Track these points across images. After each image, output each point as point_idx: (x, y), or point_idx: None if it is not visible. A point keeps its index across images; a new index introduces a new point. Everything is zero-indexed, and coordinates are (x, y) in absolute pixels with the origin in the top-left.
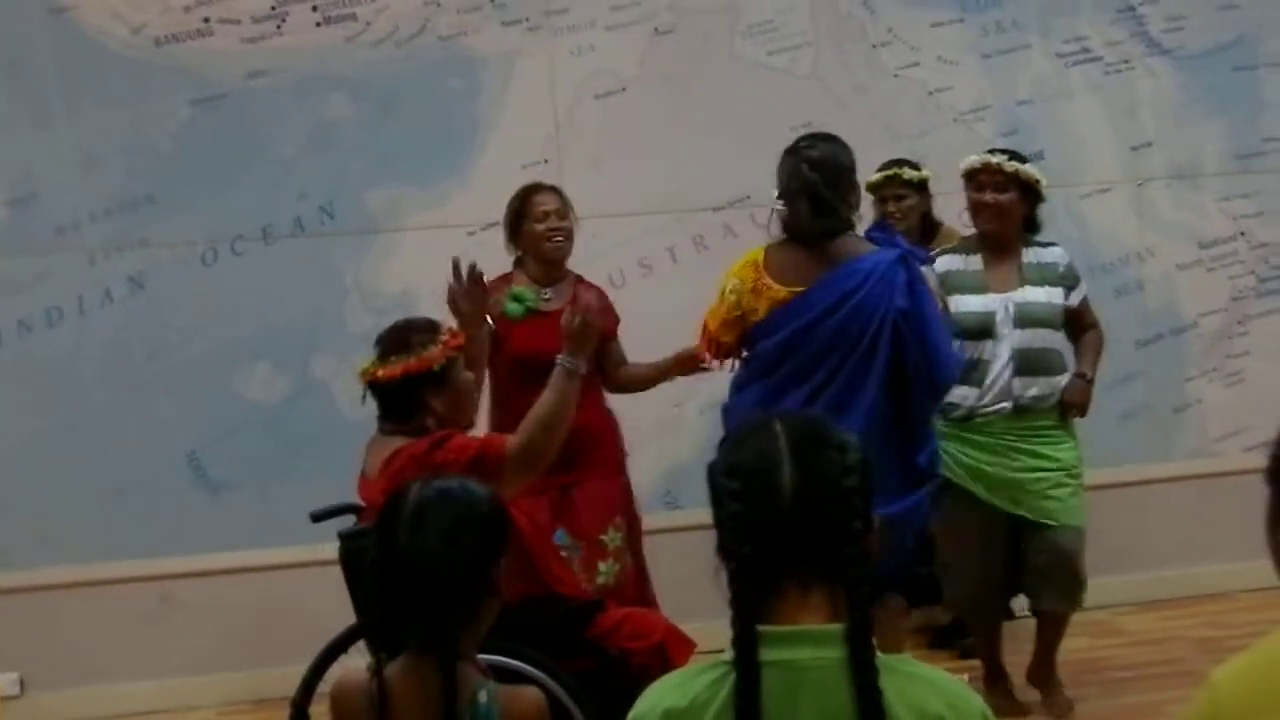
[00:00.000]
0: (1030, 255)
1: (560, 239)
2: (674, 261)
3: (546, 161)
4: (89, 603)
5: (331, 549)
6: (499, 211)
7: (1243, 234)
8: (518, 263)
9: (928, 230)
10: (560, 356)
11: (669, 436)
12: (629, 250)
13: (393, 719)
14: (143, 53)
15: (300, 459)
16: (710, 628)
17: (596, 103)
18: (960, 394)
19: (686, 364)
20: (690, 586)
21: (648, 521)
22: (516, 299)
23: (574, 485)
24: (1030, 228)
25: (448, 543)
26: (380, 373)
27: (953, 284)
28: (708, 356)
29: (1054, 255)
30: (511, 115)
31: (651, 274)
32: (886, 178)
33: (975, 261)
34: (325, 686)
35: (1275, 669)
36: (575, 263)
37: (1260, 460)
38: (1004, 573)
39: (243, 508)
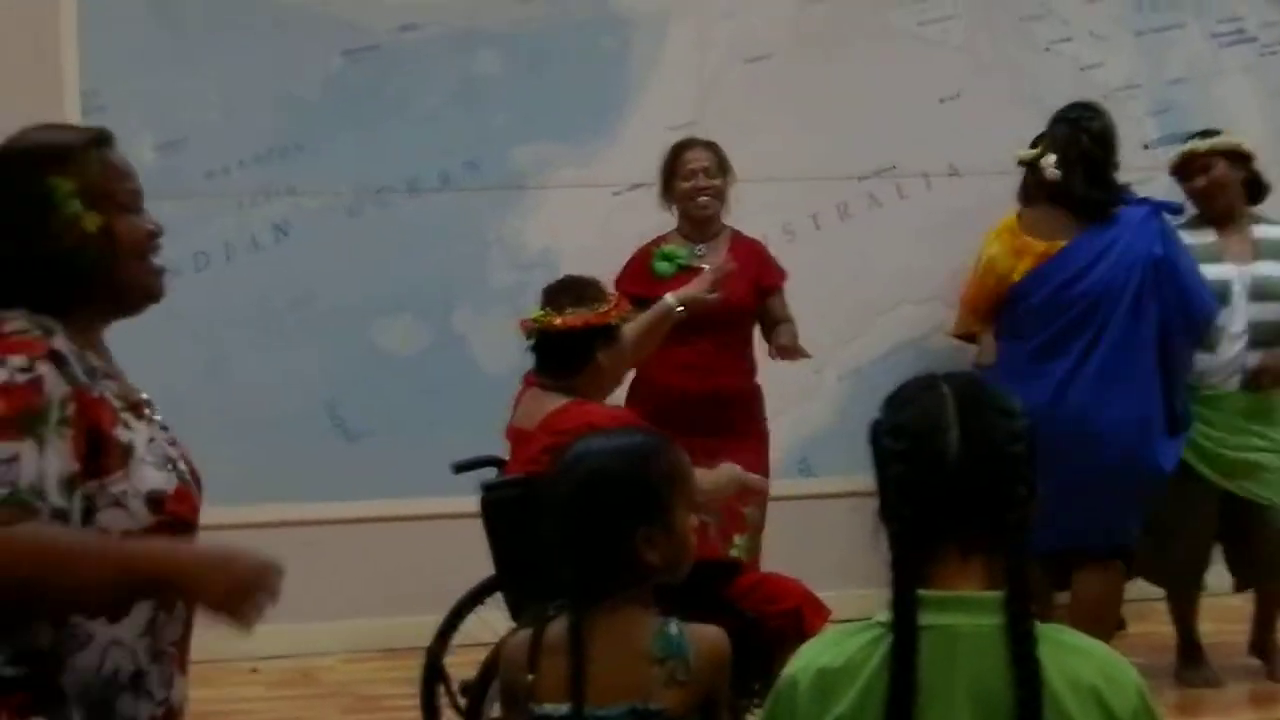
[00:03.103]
0: (1262, 231)
1: (707, 197)
2: (817, 229)
3: (694, 124)
4: (223, 544)
5: (464, 502)
6: (644, 172)
7: None
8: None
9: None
10: (669, 295)
11: (807, 403)
12: (772, 216)
13: (552, 667)
14: (295, 0)
15: (437, 412)
16: (842, 595)
17: (745, 67)
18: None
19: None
20: (823, 553)
21: (782, 488)
22: (666, 257)
23: (721, 452)
24: (1256, 195)
25: (597, 493)
26: (560, 321)
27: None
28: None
29: None
30: (660, 76)
31: (795, 240)
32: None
33: (1208, 234)
34: (459, 638)
35: None
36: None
37: None
38: (1209, 546)
39: (378, 458)
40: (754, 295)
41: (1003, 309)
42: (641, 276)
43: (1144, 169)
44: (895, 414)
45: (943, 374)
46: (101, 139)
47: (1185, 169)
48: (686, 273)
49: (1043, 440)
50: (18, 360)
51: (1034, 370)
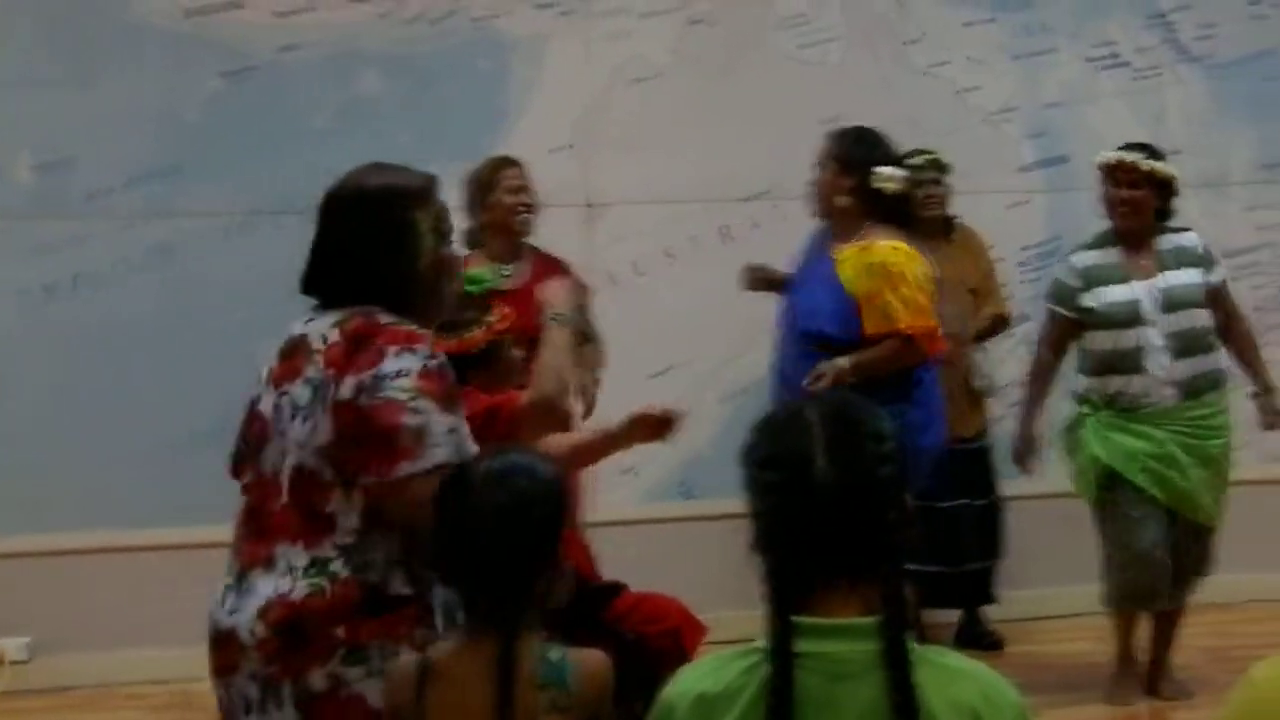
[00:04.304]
0: (1165, 242)
1: (528, 214)
2: (697, 251)
3: (573, 146)
4: (104, 569)
5: None
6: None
7: (1268, 244)
8: (474, 243)
9: (947, 223)
10: (548, 312)
11: (687, 426)
12: (653, 238)
13: (444, 694)
14: (174, 23)
15: None
16: (721, 617)
17: (627, 89)
18: (1120, 383)
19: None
20: (702, 576)
21: (662, 510)
22: (473, 281)
23: None
24: (1162, 218)
25: (515, 517)
26: None
27: (1096, 277)
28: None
29: (1189, 239)
30: (541, 99)
31: (675, 262)
32: (928, 161)
33: (1113, 254)
34: None
35: None
36: (598, 247)
37: (1274, 471)
38: (1169, 560)
39: None
40: None
41: None
42: None
43: (1020, 191)
44: (763, 444)
45: (809, 399)
46: (436, 182)
47: (1112, 174)
48: (493, 295)
49: None
50: (424, 348)
51: None
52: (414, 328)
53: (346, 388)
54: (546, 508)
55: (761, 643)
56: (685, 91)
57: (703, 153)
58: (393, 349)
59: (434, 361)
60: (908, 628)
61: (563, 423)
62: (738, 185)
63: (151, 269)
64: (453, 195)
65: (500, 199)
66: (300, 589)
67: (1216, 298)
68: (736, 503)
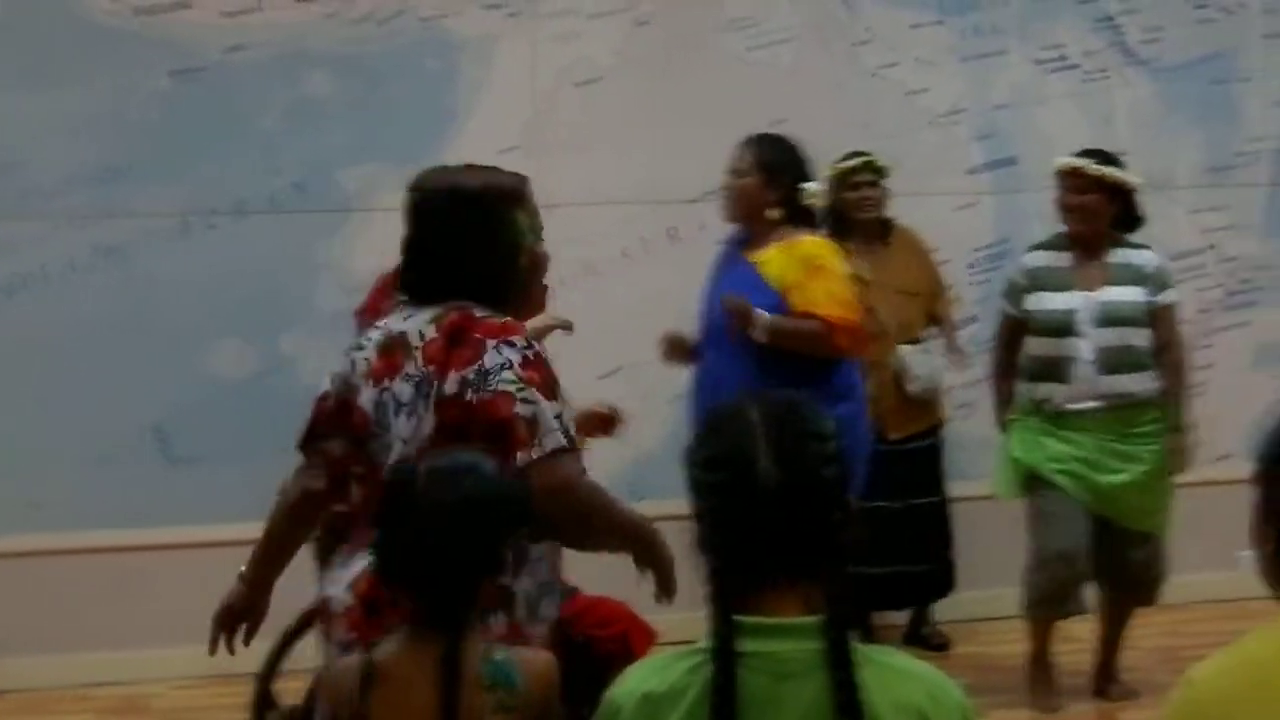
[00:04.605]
0: (1118, 256)
1: None
2: (646, 252)
3: (521, 148)
4: (50, 571)
5: None
6: None
7: (1212, 247)
8: None
9: (885, 225)
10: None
11: (637, 426)
12: (602, 239)
13: (387, 696)
14: (122, 22)
15: (265, 436)
16: (669, 619)
17: (575, 90)
18: (1047, 390)
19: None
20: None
21: None
22: None
23: None
24: (1128, 225)
25: (461, 517)
26: None
27: (1039, 281)
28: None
29: (1144, 258)
30: (489, 100)
31: (624, 263)
32: (862, 164)
33: (1064, 259)
34: (290, 664)
35: (1251, 668)
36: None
37: (1220, 472)
38: (1090, 567)
39: (207, 482)
40: None
41: None
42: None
43: (969, 193)
44: (706, 444)
45: (752, 398)
46: (529, 181)
47: (1064, 179)
48: None
49: None
50: (520, 339)
51: None
52: (508, 319)
53: (450, 384)
54: (492, 507)
55: (706, 642)
56: (633, 93)
57: (651, 154)
58: (491, 342)
59: (531, 351)
60: (851, 627)
61: None
62: (686, 187)
63: (99, 270)
64: (401, 197)
65: None
66: None
67: (1158, 319)
68: (686, 504)
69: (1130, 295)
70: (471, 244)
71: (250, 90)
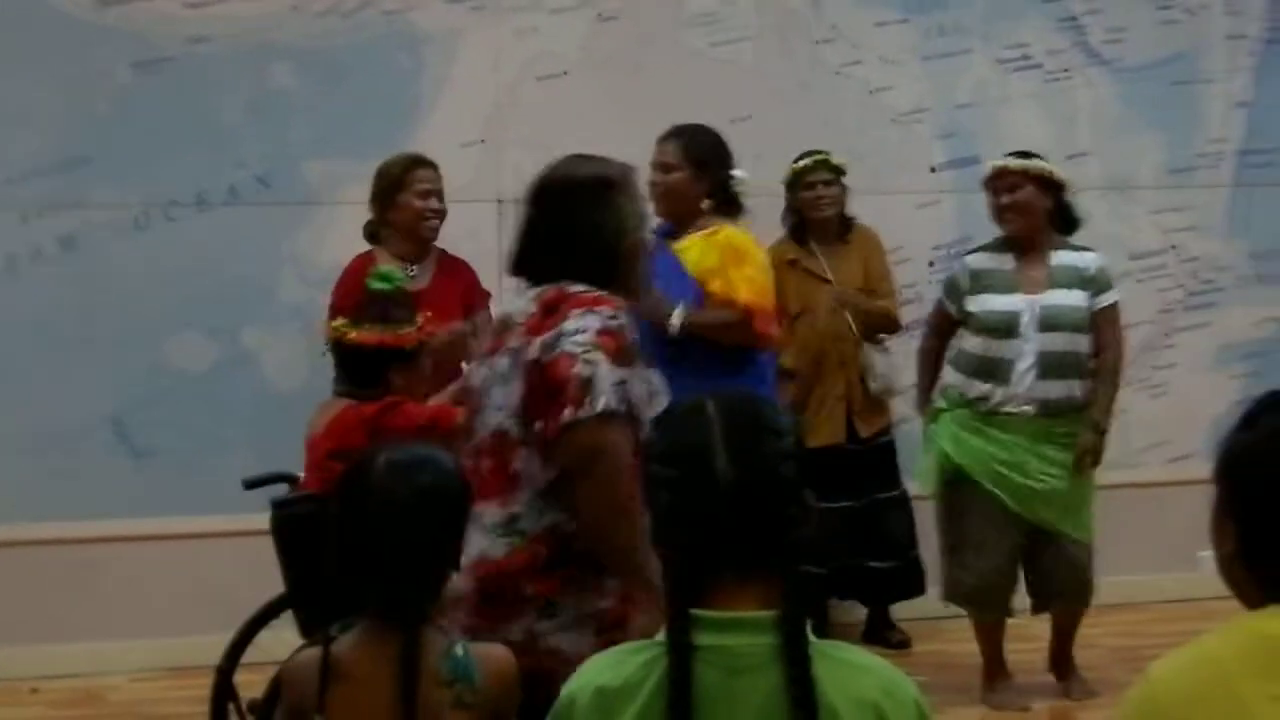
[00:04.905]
0: (1060, 258)
1: (437, 221)
2: None
3: (484, 141)
4: (6, 563)
5: (252, 520)
6: None
7: (1173, 247)
8: (373, 237)
9: (844, 224)
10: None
11: None
12: None
13: (346, 692)
14: (84, 11)
15: (226, 429)
16: None
17: (538, 85)
18: (984, 389)
19: None
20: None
21: None
22: (384, 278)
23: None
24: (1066, 226)
25: (420, 510)
26: (353, 336)
27: (983, 283)
28: None
29: (1086, 260)
30: (453, 94)
31: None
32: (816, 163)
33: (1007, 261)
34: (250, 656)
35: (1211, 665)
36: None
37: (1181, 472)
38: (1014, 568)
39: (166, 475)
40: (462, 317)
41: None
42: (358, 293)
43: (931, 192)
44: (662, 439)
45: (710, 394)
46: (634, 171)
47: (993, 183)
48: (413, 297)
49: None
50: (609, 310)
51: None
52: (601, 294)
53: (534, 348)
54: (449, 501)
55: (661, 636)
56: (596, 88)
57: (613, 150)
58: (576, 310)
59: (615, 321)
60: (807, 621)
61: None
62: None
63: (58, 262)
64: (364, 190)
65: (409, 201)
66: (499, 547)
67: (1096, 322)
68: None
69: (1072, 300)
70: (580, 229)
71: (213, 82)
